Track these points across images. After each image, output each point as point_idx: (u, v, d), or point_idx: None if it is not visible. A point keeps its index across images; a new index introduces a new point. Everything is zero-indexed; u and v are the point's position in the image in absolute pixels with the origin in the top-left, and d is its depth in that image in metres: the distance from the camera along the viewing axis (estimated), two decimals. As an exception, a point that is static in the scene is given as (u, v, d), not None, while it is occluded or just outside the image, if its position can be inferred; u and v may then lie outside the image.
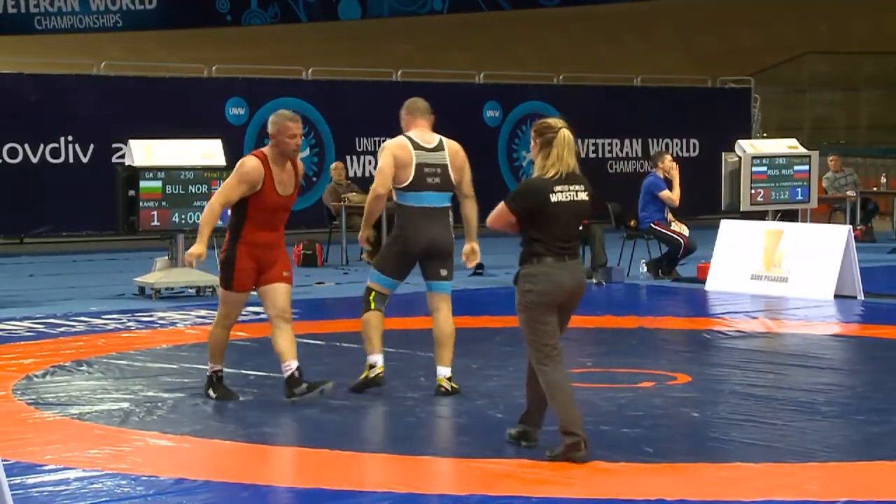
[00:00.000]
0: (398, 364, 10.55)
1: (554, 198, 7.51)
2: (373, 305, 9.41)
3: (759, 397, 9.22)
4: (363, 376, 9.41)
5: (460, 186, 9.44)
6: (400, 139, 9.39)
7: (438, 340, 9.40)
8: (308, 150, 23.22)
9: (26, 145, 20.83)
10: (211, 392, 9.22)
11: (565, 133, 7.57)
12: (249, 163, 8.90)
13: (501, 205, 7.60)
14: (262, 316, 9.06)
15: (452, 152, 9.40)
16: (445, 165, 9.34)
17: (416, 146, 9.33)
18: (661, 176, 16.82)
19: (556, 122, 7.65)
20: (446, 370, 9.40)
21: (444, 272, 9.38)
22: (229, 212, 9.01)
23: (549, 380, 7.53)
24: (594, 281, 16.15)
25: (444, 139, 9.47)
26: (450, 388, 9.35)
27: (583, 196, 7.62)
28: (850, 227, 15.47)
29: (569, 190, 7.56)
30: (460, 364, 10.44)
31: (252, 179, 8.84)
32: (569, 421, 7.47)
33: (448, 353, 9.37)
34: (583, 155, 25.50)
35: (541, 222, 7.53)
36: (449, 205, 9.43)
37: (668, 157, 17.19)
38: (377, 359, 9.38)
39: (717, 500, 6.80)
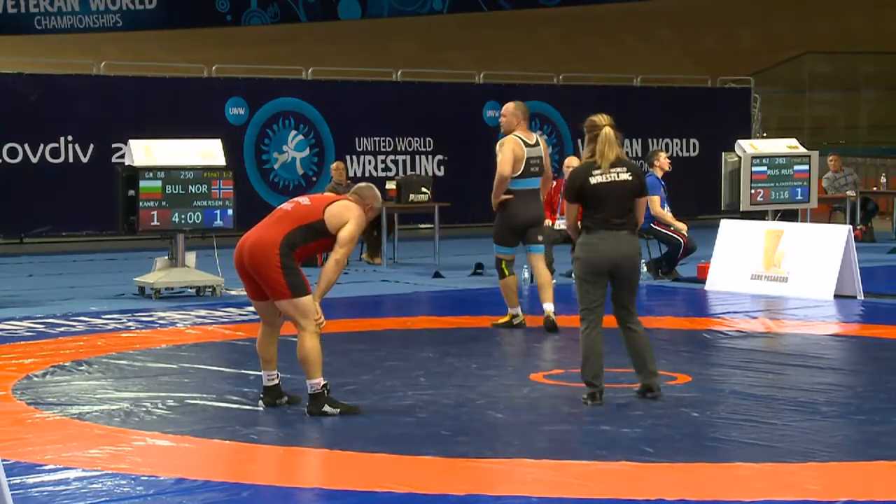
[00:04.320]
0: (398, 364, 10.57)
1: (593, 180, 8.85)
2: (507, 272, 12.29)
3: (759, 397, 9.21)
4: (505, 320, 12.34)
5: (546, 170, 12.38)
6: (514, 138, 12.11)
7: (541, 285, 12.29)
8: (308, 149, 23.24)
9: (26, 145, 20.83)
10: (328, 408, 8.61)
11: (607, 131, 8.93)
12: None
13: (565, 205, 9.12)
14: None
15: (543, 146, 12.35)
16: (541, 157, 12.23)
17: (526, 144, 12.17)
18: (659, 175, 16.81)
19: (600, 119, 9.03)
20: (550, 305, 12.14)
21: (539, 237, 12.41)
22: (298, 227, 8.60)
23: (582, 335, 8.93)
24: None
25: (537, 135, 12.44)
26: (553, 320, 12.02)
27: (625, 176, 8.87)
28: (850, 227, 15.43)
29: (609, 172, 8.85)
30: (460, 364, 10.47)
31: None
32: (587, 373, 8.91)
33: (549, 292, 12.20)
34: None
35: (587, 201, 8.85)
36: (539, 186, 12.28)
37: (664, 155, 17.18)
38: (517, 310, 12.35)
39: (717, 500, 6.80)
